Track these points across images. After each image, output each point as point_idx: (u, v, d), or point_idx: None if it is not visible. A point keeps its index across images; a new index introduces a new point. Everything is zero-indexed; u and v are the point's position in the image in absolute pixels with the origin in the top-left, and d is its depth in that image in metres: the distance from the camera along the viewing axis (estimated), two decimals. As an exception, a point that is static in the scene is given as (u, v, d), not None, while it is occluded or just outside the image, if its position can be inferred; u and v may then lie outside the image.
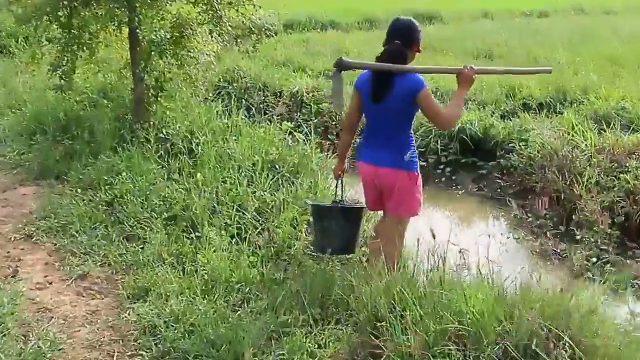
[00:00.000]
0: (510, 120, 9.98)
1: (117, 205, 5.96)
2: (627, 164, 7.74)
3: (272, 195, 5.97)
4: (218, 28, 7.48)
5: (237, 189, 5.94)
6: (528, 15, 24.26)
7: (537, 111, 10.51)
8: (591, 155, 8.02)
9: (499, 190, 8.74)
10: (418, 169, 4.54)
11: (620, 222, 7.12)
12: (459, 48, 16.07)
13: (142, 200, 5.91)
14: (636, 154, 8.05)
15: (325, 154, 7.10)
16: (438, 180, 9.41)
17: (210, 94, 9.10)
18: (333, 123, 11.10)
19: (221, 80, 12.43)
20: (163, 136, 7.21)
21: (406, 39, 4.44)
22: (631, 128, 9.04)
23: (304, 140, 7.19)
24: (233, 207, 5.68)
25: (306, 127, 11.03)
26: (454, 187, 9.18)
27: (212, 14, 7.31)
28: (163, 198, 5.91)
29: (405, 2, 23.70)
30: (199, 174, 6.14)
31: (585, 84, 11.69)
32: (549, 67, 6.09)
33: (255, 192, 5.98)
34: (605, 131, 8.70)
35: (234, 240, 5.31)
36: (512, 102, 11.23)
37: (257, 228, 5.55)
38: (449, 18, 23.46)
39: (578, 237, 7.04)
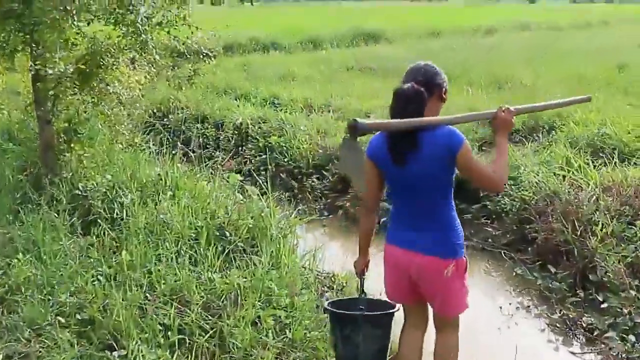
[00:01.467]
0: (490, 152, 8.61)
1: (7, 304, 4.24)
2: (643, 207, 6.42)
3: (223, 278, 4.38)
4: (144, 55, 5.84)
5: (176, 273, 4.33)
6: (475, 33, 23.22)
7: (510, 139, 9.18)
8: (597, 198, 6.65)
9: (489, 240, 7.29)
10: (464, 252, 3.53)
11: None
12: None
13: (45, 296, 4.22)
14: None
15: (287, 212, 5.52)
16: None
17: (139, 135, 7.39)
18: (286, 160, 9.53)
19: (154, 113, 10.72)
20: (79, 193, 5.53)
21: (424, 82, 3.35)
22: (617, 157, 7.73)
23: (258, 195, 5.60)
24: (171, 302, 4.07)
25: (258, 172, 9.61)
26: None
27: (135, 38, 5.66)
28: (75, 292, 4.23)
29: (349, 21, 22.45)
30: (124, 252, 4.50)
31: (559, 108, 10.48)
32: (587, 95, 4.91)
33: (200, 275, 4.38)
34: (604, 165, 7.40)
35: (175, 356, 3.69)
36: (483, 130, 9.93)
37: (207, 332, 3.95)
38: (395, 37, 22.27)
39: (604, 306, 5.64)
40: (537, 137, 9.64)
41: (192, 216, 4.97)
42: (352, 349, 3.62)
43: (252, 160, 9.98)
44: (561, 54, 16.55)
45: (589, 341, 5.35)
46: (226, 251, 4.71)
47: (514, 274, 6.62)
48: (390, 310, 3.66)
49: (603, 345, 5.19)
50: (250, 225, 5.02)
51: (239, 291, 4.26)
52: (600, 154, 7.83)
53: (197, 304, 4.13)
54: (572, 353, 5.22)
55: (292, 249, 5.15)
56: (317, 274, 5.16)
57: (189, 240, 4.78)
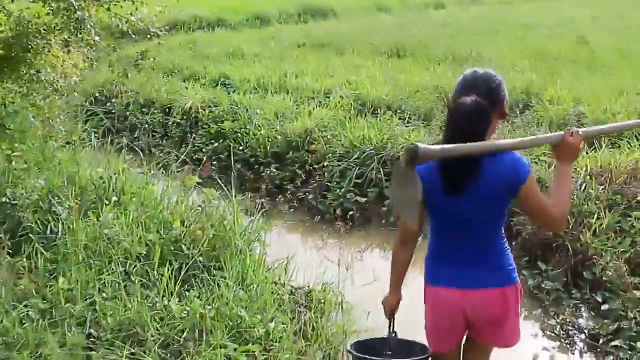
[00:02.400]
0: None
1: None
2: (638, 195, 5.85)
3: (182, 305, 3.62)
4: (80, 36, 4.96)
5: (125, 304, 3.54)
6: (424, 8, 22.54)
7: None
8: (586, 186, 6.06)
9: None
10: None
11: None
12: (364, 45, 14.05)
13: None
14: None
15: (253, 218, 4.74)
16: (385, 222, 7.25)
17: (79, 126, 6.48)
18: (241, 148, 8.72)
19: (96, 98, 9.78)
20: (7, 201, 4.65)
21: (486, 94, 2.78)
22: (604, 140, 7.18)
23: (218, 198, 4.82)
24: (122, 342, 3.30)
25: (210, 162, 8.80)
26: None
27: (68, 16, 4.76)
28: (2, 333, 3.39)
29: (295, -4, 21.54)
30: (61, 278, 3.68)
31: (528, 85, 9.99)
32: None
33: (155, 303, 3.60)
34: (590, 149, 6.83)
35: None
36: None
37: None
38: (343, 12, 21.44)
39: (604, 308, 5.06)
40: (511, 116, 9.05)
41: (142, 229, 4.16)
42: None
43: (204, 149, 9.14)
44: (517, 28, 16.06)
45: (592, 350, 4.77)
46: (184, 270, 3.92)
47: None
48: (423, 356, 2.99)
49: (610, 357, 4.60)
50: (211, 236, 4.24)
51: (202, 322, 3.50)
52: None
53: (154, 340, 3.36)
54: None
55: (260, 260, 4.40)
56: (291, 290, 4.42)
57: (139, 260, 3.97)
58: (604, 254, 5.40)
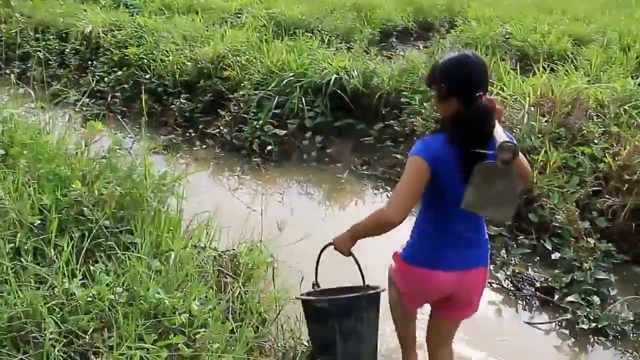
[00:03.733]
0: (391, 61, 7.18)
1: None
2: (584, 128, 5.21)
3: (87, 288, 2.70)
4: None
5: (16, 291, 2.60)
6: None
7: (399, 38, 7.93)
8: (529, 117, 5.38)
9: (397, 168, 5.89)
10: None
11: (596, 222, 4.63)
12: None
13: None
14: (582, 108, 5.55)
15: (165, 169, 3.75)
16: (307, 156, 6.43)
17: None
18: (148, 77, 7.63)
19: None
20: None
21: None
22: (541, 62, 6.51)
23: (129, 151, 3.81)
24: (14, 342, 2.42)
25: (113, 93, 7.68)
26: (331, 165, 6.24)
27: None
28: None
29: None
30: None
31: (449, 2, 9.22)
32: None
33: (53, 289, 2.68)
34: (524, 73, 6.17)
35: None
36: (370, 30, 8.48)
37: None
38: None
39: (555, 258, 4.44)
40: (432, 36, 8.32)
41: (36, 192, 3.17)
42: (355, 343, 2.96)
43: (106, 79, 8.00)
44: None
45: (545, 306, 4.15)
46: (88, 239, 2.97)
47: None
48: (380, 289, 3.01)
49: (567, 313, 3.99)
50: (118, 194, 3.29)
51: (111, 311, 2.63)
52: (516, 61, 6.52)
53: (54, 339, 2.47)
54: (529, 323, 4.00)
55: (176, 220, 3.48)
56: (215, 256, 3.53)
57: (32, 231, 2.99)
58: (551, 194, 4.77)
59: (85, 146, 3.80)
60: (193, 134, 6.96)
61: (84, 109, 7.66)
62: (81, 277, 2.80)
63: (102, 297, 2.68)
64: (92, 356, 2.52)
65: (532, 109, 5.41)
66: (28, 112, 4.78)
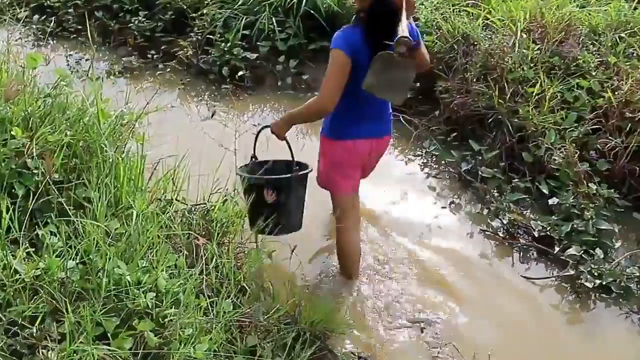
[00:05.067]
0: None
1: None
2: (579, 57, 4.75)
3: (33, 262, 2.20)
4: None
5: None
6: None
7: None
8: (519, 44, 4.88)
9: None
10: None
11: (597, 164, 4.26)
12: None
13: None
14: (575, 35, 5.07)
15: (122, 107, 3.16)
16: (282, 82, 5.87)
17: None
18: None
19: None
20: None
21: None
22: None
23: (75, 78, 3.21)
24: None
25: (64, 10, 6.89)
26: (308, 93, 5.69)
27: None
28: None
29: None
30: None
31: None
32: None
33: None
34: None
35: None
36: None
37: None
38: None
39: (552, 203, 4.06)
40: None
41: None
42: (285, 214, 3.31)
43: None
44: None
45: (543, 256, 3.81)
46: (34, 198, 2.44)
47: (424, 151, 4.86)
48: (308, 170, 3.43)
49: (568, 268, 3.65)
50: (66, 140, 2.74)
51: (62, 291, 2.16)
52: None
53: None
54: (527, 278, 3.66)
55: (139, 169, 2.92)
56: (185, 213, 3.01)
57: None
58: (547, 132, 4.35)
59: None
60: (155, 56, 6.31)
61: (34, 27, 6.93)
62: (26, 245, 2.30)
63: (52, 273, 2.20)
64: (42, 350, 2.06)
65: (524, 35, 4.91)
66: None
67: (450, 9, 5.34)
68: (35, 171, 2.53)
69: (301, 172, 3.36)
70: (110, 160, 2.78)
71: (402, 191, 4.36)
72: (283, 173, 3.33)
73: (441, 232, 4.00)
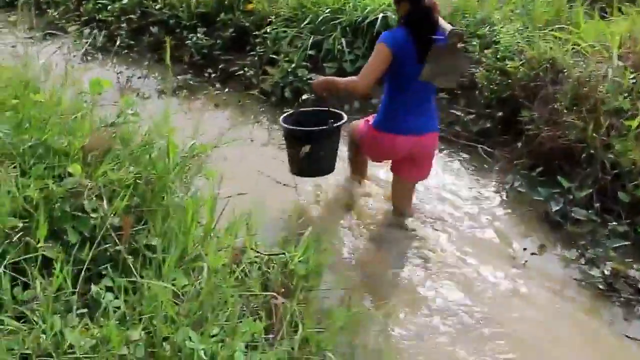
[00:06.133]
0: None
1: None
2: None
3: (90, 330, 1.84)
4: None
5: None
6: None
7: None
8: (612, 71, 4.41)
9: (455, 127, 5.01)
10: None
11: None
12: None
13: None
14: None
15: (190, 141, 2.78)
16: (349, 106, 5.50)
17: None
18: (157, 6, 6.60)
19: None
20: None
21: None
22: None
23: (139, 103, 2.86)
24: None
25: (117, 27, 6.65)
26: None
27: None
28: None
29: None
30: None
31: None
32: None
33: (43, 331, 1.82)
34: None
35: None
36: None
37: None
38: None
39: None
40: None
41: (18, 178, 2.24)
42: (319, 159, 3.81)
43: (109, 7, 6.94)
44: None
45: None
46: (90, 247, 2.07)
47: (507, 185, 4.40)
48: (343, 121, 3.82)
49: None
50: (138, 182, 2.37)
51: None
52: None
53: None
54: (631, 338, 3.15)
55: (210, 212, 2.49)
56: (260, 265, 2.55)
57: (8, 239, 2.07)
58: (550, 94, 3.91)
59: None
60: (213, 75, 5.99)
61: (84, 41, 6.69)
62: (78, 305, 1.94)
63: (113, 347, 1.83)
64: None
65: (620, 63, 4.44)
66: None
67: (534, 32, 4.90)
68: (94, 215, 2.16)
69: (335, 124, 3.73)
70: (178, 200, 2.43)
71: (484, 231, 3.91)
72: (323, 122, 3.70)
73: (530, 279, 3.53)
